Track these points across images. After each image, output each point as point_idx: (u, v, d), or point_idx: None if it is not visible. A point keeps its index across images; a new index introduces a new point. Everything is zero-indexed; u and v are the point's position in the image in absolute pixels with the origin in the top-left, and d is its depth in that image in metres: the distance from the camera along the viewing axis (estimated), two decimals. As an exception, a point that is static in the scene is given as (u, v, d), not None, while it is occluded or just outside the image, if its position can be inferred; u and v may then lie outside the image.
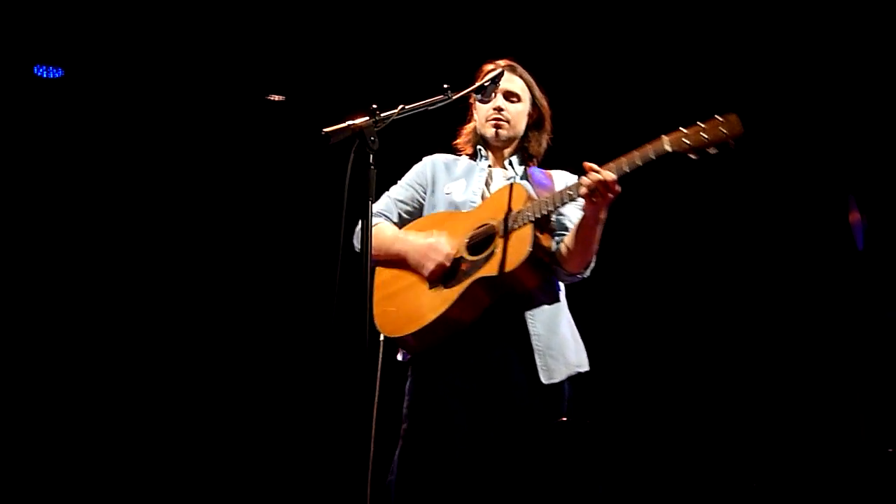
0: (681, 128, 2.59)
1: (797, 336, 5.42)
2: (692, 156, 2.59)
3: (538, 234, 2.80)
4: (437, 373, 2.91)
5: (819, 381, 5.33)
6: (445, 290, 2.87)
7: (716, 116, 2.57)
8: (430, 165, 3.22)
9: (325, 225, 3.18)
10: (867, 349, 5.16)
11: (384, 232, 3.05)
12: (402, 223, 3.14)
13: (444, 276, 2.90)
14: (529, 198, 2.85)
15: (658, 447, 5.46)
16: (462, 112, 3.25)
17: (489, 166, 3.16)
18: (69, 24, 5.33)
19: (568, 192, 2.74)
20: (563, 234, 2.93)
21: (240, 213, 5.93)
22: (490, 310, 2.85)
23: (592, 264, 2.90)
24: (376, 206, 3.10)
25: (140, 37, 5.45)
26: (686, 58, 5.41)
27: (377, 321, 2.96)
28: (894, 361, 5.05)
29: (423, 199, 3.17)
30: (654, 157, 2.61)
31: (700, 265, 5.69)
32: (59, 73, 5.58)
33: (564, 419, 2.91)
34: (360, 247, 3.08)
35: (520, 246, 2.76)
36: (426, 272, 2.91)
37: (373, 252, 2.95)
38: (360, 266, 2.50)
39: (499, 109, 3.08)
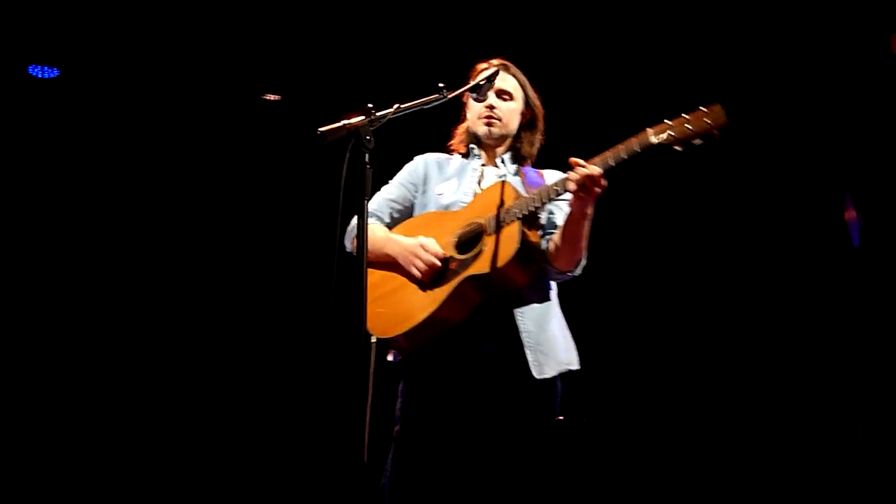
0: (665, 120, 2.59)
1: (792, 333, 5.43)
2: (677, 148, 2.59)
3: (526, 231, 2.80)
4: (429, 373, 2.91)
5: (815, 380, 5.34)
6: (435, 290, 2.87)
7: (700, 108, 2.57)
8: (423, 165, 3.22)
9: (321, 224, 3.18)
10: (863, 347, 5.17)
11: (375, 233, 3.05)
12: (393, 223, 3.14)
13: (433, 275, 2.90)
14: (517, 195, 2.85)
15: (653, 445, 5.47)
16: (457, 111, 3.25)
17: (481, 165, 3.15)
18: (64, 24, 5.32)
19: (554, 187, 2.74)
20: (552, 232, 2.93)
21: (235, 212, 5.92)
22: (480, 308, 2.85)
23: (583, 262, 2.89)
24: (369, 205, 3.10)
25: (136, 36, 5.44)
26: (682, 55, 5.42)
27: (368, 323, 2.95)
28: (891, 360, 5.06)
29: (415, 199, 3.16)
30: (639, 150, 2.61)
31: (695, 263, 5.69)
32: (54, 73, 5.57)
33: (561, 417, 2.92)
34: (349, 247, 3.10)
35: (508, 243, 2.76)
36: (416, 272, 2.91)
37: (358, 248, 2.97)
38: (352, 267, 2.53)
39: (491, 107, 3.09)
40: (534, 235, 2.87)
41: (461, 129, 3.24)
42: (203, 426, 5.62)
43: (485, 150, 3.17)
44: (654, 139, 2.59)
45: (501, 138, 3.14)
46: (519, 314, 2.88)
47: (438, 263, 2.89)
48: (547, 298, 2.96)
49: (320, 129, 2.41)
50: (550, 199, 2.77)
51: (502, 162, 3.14)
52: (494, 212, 2.84)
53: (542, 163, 3.18)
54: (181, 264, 5.83)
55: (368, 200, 2.37)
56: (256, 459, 5.60)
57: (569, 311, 3.07)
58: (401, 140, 3.21)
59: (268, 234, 5.91)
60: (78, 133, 5.71)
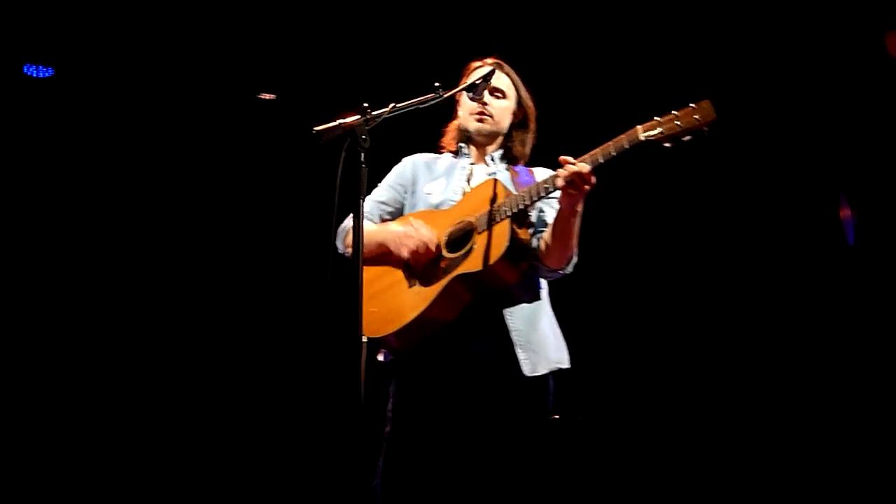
0: (655, 117, 2.60)
1: (787, 332, 5.44)
2: (667, 144, 2.59)
3: (516, 229, 2.79)
4: (420, 373, 2.90)
5: (810, 378, 5.34)
6: (425, 289, 2.86)
7: (689, 104, 2.57)
8: (411, 166, 3.21)
9: (316, 223, 3.18)
10: (858, 346, 5.18)
11: (365, 227, 3.03)
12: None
13: (423, 271, 2.90)
14: (508, 193, 2.84)
15: (646, 444, 5.47)
16: (450, 109, 3.24)
17: (471, 164, 3.15)
18: (59, 24, 5.31)
19: (544, 185, 2.72)
20: (543, 230, 2.92)
21: (230, 211, 5.91)
22: (470, 307, 2.84)
23: (574, 259, 2.88)
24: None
25: (130, 36, 5.44)
26: (675, 53, 5.43)
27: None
28: (886, 360, 5.07)
29: (405, 200, 3.15)
30: (628, 147, 2.60)
31: (687, 260, 5.70)
32: (49, 73, 5.57)
33: (556, 416, 2.92)
34: (342, 248, 3.10)
35: (498, 241, 2.76)
36: (406, 254, 2.90)
37: (354, 248, 2.97)
38: (345, 266, 2.51)
39: (483, 104, 3.08)
40: (524, 233, 2.86)
41: (452, 126, 3.23)
42: (196, 425, 5.61)
43: (475, 148, 3.16)
44: (643, 136, 2.59)
45: (492, 136, 3.13)
46: (508, 313, 2.87)
47: (432, 245, 2.88)
48: (537, 297, 2.95)
49: (316, 129, 2.42)
50: (540, 197, 2.75)
51: (492, 160, 3.13)
52: (484, 210, 2.83)
53: (534, 161, 3.17)
54: (176, 263, 5.83)
55: (363, 199, 2.36)
56: (250, 459, 5.60)
57: (559, 309, 3.06)
58: (396, 139, 3.21)
59: (263, 234, 5.90)
60: (73, 133, 5.70)
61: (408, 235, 2.90)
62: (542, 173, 3.05)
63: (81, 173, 5.71)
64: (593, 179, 2.64)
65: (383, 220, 3.14)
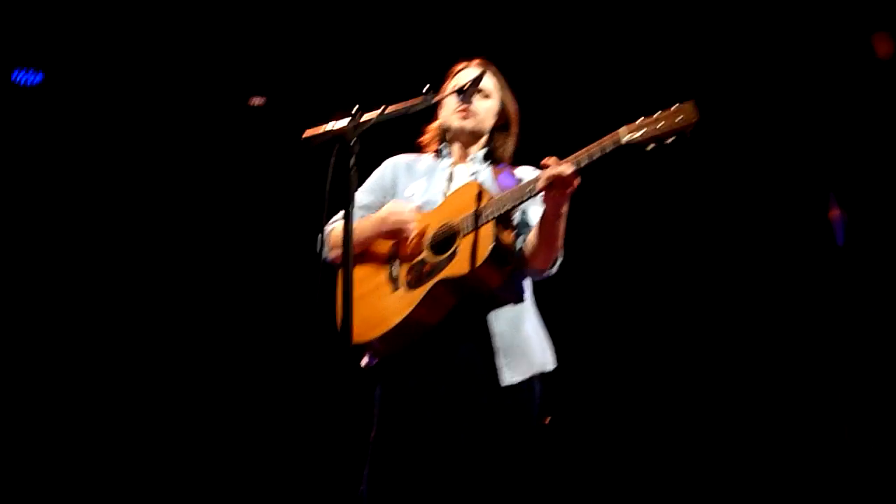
0: (639, 119, 2.60)
1: (775, 333, 5.45)
2: (650, 146, 2.60)
3: (500, 231, 2.79)
4: (405, 379, 2.89)
5: (800, 379, 5.36)
6: (409, 293, 2.85)
7: (672, 106, 2.58)
8: (391, 168, 3.20)
9: (307, 228, 3.17)
10: (849, 348, 5.19)
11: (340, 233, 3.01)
12: None
13: (407, 275, 2.89)
14: (490, 196, 2.84)
15: (633, 446, 5.48)
16: (430, 109, 3.24)
17: (451, 164, 3.14)
18: (49, 29, 5.30)
19: (527, 187, 2.72)
20: (527, 232, 2.92)
21: (220, 216, 5.91)
22: (454, 311, 2.83)
23: (559, 260, 2.88)
24: (340, 214, 3.07)
25: (121, 41, 5.43)
26: (662, 55, 5.44)
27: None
28: (880, 361, 5.09)
29: (386, 203, 3.12)
30: (611, 149, 2.61)
31: (675, 262, 5.71)
32: (39, 78, 5.56)
33: (547, 420, 2.91)
34: (325, 254, 3.09)
35: (482, 244, 2.75)
36: (385, 228, 2.94)
37: (335, 250, 2.97)
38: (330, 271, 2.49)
39: (468, 103, 3.08)
40: (508, 236, 2.85)
41: (433, 126, 3.22)
42: (182, 430, 5.61)
43: (458, 147, 3.15)
44: (626, 138, 2.60)
45: (475, 134, 3.12)
46: (492, 317, 2.86)
47: (413, 228, 2.91)
48: (521, 299, 2.95)
49: (306, 133, 2.41)
50: (524, 200, 2.75)
51: (474, 159, 3.12)
52: (466, 213, 2.82)
53: (518, 161, 3.17)
54: (165, 268, 5.82)
55: (354, 204, 2.36)
56: (236, 465, 5.58)
57: (545, 310, 3.07)
58: (387, 144, 3.21)
59: (253, 238, 5.90)
60: (63, 139, 5.69)
61: (387, 220, 2.93)
62: (525, 172, 3.05)
63: (72, 179, 5.70)
64: (577, 181, 2.64)
65: None
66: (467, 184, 2.94)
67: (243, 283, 5.87)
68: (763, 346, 5.44)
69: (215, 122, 5.88)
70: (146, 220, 5.81)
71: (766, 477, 5.22)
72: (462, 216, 2.84)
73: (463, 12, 5.26)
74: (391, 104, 2.57)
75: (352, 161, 2.36)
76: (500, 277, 2.83)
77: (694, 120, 2.54)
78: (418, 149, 3.26)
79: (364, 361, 3.00)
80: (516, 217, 2.94)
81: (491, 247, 2.73)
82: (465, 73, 3.13)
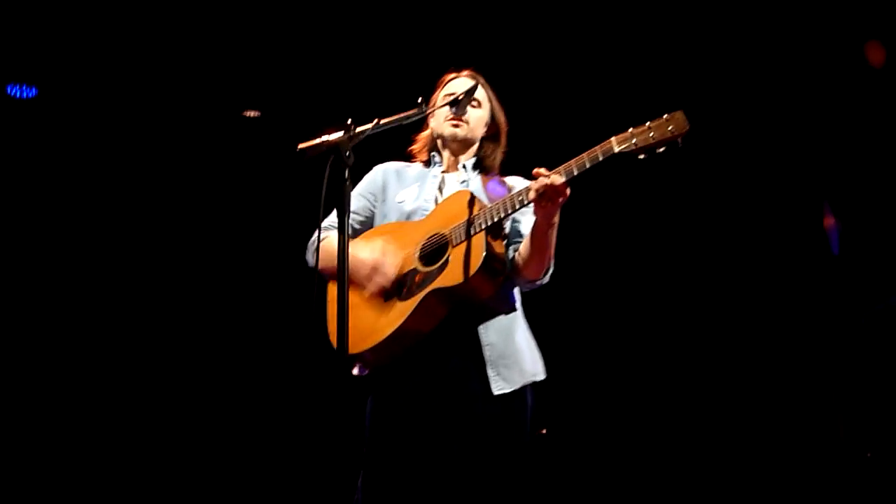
0: (630, 129, 2.61)
1: (773, 338, 5.45)
2: (641, 156, 2.60)
3: (491, 241, 2.78)
4: (397, 390, 2.88)
5: (796, 385, 5.36)
6: (400, 303, 2.84)
7: (663, 115, 2.58)
8: (381, 174, 3.19)
9: (301, 240, 3.17)
10: (844, 352, 5.20)
11: (334, 246, 3.01)
12: (354, 235, 3.10)
13: (397, 288, 2.88)
14: (481, 205, 2.83)
15: (625, 454, 5.47)
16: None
17: (442, 172, 3.14)
18: (43, 43, 5.31)
19: (518, 197, 2.72)
20: (518, 242, 2.91)
21: (215, 228, 5.91)
22: (446, 322, 2.82)
23: (551, 270, 2.88)
24: (328, 219, 3.06)
25: (115, 54, 5.44)
26: (655, 66, 5.46)
27: (332, 338, 2.93)
28: (873, 364, 5.09)
29: (375, 209, 3.14)
30: (602, 159, 2.61)
31: (666, 271, 5.73)
32: (33, 93, 5.56)
33: (544, 431, 2.91)
34: (312, 262, 3.09)
35: (473, 254, 2.74)
36: (368, 293, 2.88)
37: (324, 267, 2.91)
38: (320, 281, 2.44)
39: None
40: (499, 246, 2.85)
41: (423, 135, 3.23)
42: (173, 440, 5.61)
43: (449, 155, 3.15)
44: (617, 148, 2.60)
45: (466, 143, 3.12)
46: (482, 328, 2.86)
47: (391, 287, 2.87)
48: (512, 309, 2.94)
49: (300, 146, 2.41)
50: (515, 209, 2.74)
51: (465, 168, 3.12)
52: (457, 222, 2.82)
53: (509, 171, 3.18)
54: (159, 279, 5.82)
55: (348, 216, 2.36)
56: (229, 476, 5.58)
57: (533, 320, 3.07)
58: (371, 151, 3.22)
59: (248, 250, 5.89)
60: (58, 152, 5.69)
61: (370, 278, 2.87)
62: (514, 182, 3.06)
63: (68, 192, 5.70)
64: (567, 191, 2.64)
65: (354, 230, 3.11)
66: (458, 192, 2.93)
67: (238, 295, 5.87)
68: (754, 356, 5.45)
69: (209, 134, 5.89)
70: (141, 229, 5.81)
71: (758, 482, 5.22)
72: (453, 225, 2.83)
73: (453, 24, 5.28)
74: (382, 116, 2.57)
75: (346, 173, 2.36)
76: (492, 287, 2.83)
77: (685, 129, 2.55)
78: (408, 157, 3.26)
79: (355, 370, 2.98)
80: (507, 226, 2.94)
81: (482, 257, 2.72)
82: (456, 83, 3.14)
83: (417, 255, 2.89)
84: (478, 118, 3.12)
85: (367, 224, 3.14)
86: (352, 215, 3.11)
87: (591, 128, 2.85)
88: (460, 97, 2.94)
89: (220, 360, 5.77)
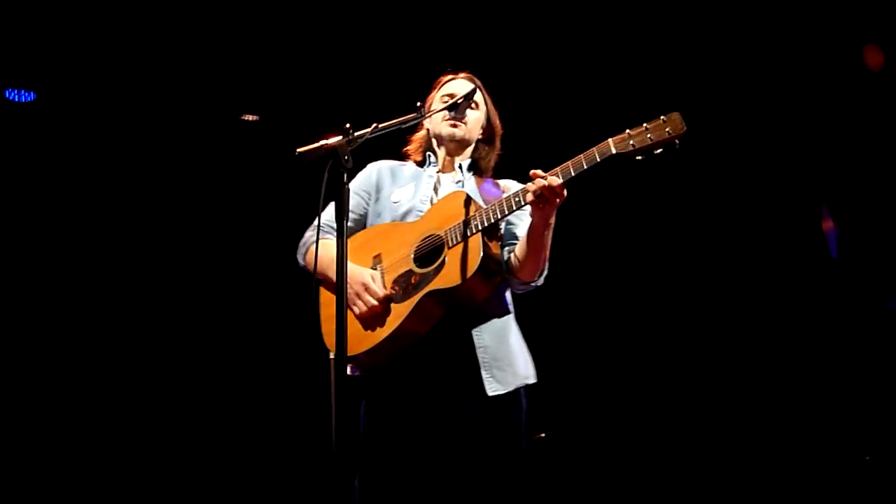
0: (627, 130, 2.61)
1: (770, 342, 5.45)
2: (639, 157, 2.60)
3: (487, 242, 2.78)
4: (391, 392, 2.88)
5: (793, 389, 5.36)
6: (396, 306, 2.83)
7: (660, 117, 2.58)
8: (375, 172, 3.19)
9: (297, 243, 3.17)
10: (842, 356, 5.20)
11: (329, 252, 2.98)
12: (349, 233, 3.10)
13: (392, 287, 2.87)
14: (477, 207, 2.83)
15: (626, 456, 5.47)
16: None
17: (437, 172, 3.14)
18: (41, 48, 5.31)
19: (515, 198, 2.71)
20: (513, 244, 2.92)
21: (214, 232, 5.90)
22: (440, 324, 2.82)
23: (545, 272, 2.88)
24: (323, 217, 3.06)
25: (113, 59, 5.44)
26: (653, 67, 5.47)
27: (327, 340, 2.93)
28: (869, 369, 5.09)
29: (368, 207, 3.13)
30: (599, 160, 2.61)
31: (670, 270, 5.72)
32: (30, 97, 5.56)
33: (542, 435, 2.91)
34: (302, 262, 3.08)
35: (471, 256, 2.74)
36: (356, 312, 2.88)
37: (318, 271, 2.93)
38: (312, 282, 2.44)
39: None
40: (495, 247, 2.85)
41: (418, 136, 3.23)
42: (169, 442, 5.59)
43: (445, 156, 3.15)
44: (614, 149, 2.60)
45: (463, 143, 3.12)
46: (476, 330, 2.86)
47: (381, 308, 2.85)
48: (506, 312, 2.95)
49: (299, 150, 2.41)
50: (511, 211, 2.74)
51: (460, 168, 3.12)
52: (453, 223, 2.81)
53: (505, 173, 3.18)
54: (158, 282, 5.81)
55: (346, 220, 2.36)
56: (225, 478, 5.57)
57: (530, 323, 3.06)
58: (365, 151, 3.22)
59: (246, 254, 5.89)
60: (56, 156, 5.68)
61: (360, 297, 2.87)
62: (508, 185, 3.06)
63: (66, 197, 5.70)
64: (565, 192, 2.64)
65: (348, 228, 3.10)
66: (454, 193, 2.93)
67: (236, 299, 5.86)
68: (752, 360, 5.45)
69: (207, 138, 5.88)
70: (140, 233, 5.80)
71: (756, 487, 5.21)
72: (448, 226, 2.83)
73: (451, 27, 5.28)
74: (381, 120, 2.57)
75: (345, 178, 2.36)
76: (488, 289, 2.83)
77: (682, 131, 2.55)
78: (401, 157, 3.26)
79: (347, 370, 2.98)
80: (501, 228, 2.94)
81: (480, 258, 2.72)
82: (453, 85, 3.15)
83: (412, 256, 2.89)
84: (475, 119, 3.12)
85: (361, 222, 3.13)
86: None
87: (588, 129, 2.86)
88: (459, 101, 2.95)
89: (220, 360, 5.76)
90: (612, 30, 5.36)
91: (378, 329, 2.84)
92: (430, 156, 3.18)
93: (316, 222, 3.06)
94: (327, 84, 5.64)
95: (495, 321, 2.90)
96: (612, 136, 2.62)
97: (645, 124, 2.59)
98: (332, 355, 2.90)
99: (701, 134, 2.65)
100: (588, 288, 5.73)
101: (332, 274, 2.76)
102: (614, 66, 5.49)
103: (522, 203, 2.70)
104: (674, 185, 5.58)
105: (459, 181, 3.08)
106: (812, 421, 5.23)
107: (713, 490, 5.25)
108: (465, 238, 2.77)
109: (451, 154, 3.15)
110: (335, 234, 2.99)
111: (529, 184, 2.66)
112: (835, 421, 5.12)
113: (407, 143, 3.26)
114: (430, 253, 2.86)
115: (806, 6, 5.11)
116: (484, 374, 2.83)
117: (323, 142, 2.40)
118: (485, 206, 2.80)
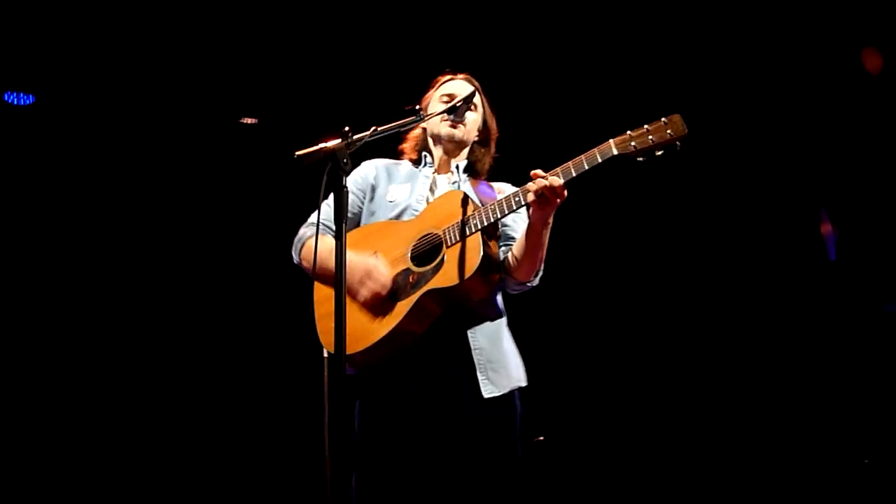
0: (628, 131, 2.61)
1: (768, 345, 5.45)
2: (640, 158, 2.60)
3: (487, 241, 2.77)
4: (386, 393, 2.88)
5: (792, 392, 5.36)
6: (394, 304, 2.82)
7: (661, 119, 2.59)
8: (372, 170, 3.18)
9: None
10: (839, 360, 5.20)
11: (327, 248, 2.97)
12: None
13: (390, 286, 2.86)
14: (475, 206, 2.82)
15: (625, 458, 5.47)
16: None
17: (433, 172, 3.14)
18: (40, 51, 5.31)
19: (515, 198, 2.71)
20: (509, 244, 2.91)
21: (212, 235, 5.91)
22: (435, 325, 2.81)
23: (541, 272, 2.88)
24: (316, 216, 3.04)
25: (112, 62, 5.44)
26: (653, 69, 5.47)
27: (322, 338, 2.92)
28: (867, 371, 5.09)
29: (363, 205, 3.12)
30: (600, 161, 2.61)
31: (668, 273, 5.73)
32: (30, 100, 5.56)
33: (541, 438, 2.91)
34: (297, 259, 3.07)
35: (470, 255, 2.73)
36: (360, 299, 2.86)
37: (316, 268, 2.91)
38: (308, 281, 2.43)
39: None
40: (494, 246, 2.85)
41: (414, 134, 3.22)
42: (166, 441, 5.60)
43: (442, 156, 3.15)
44: (615, 150, 2.60)
45: (460, 144, 3.12)
46: (471, 332, 2.86)
47: (385, 293, 2.84)
48: (500, 315, 2.95)
49: (298, 153, 2.41)
50: (511, 210, 2.74)
51: (457, 169, 3.12)
52: (451, 222, 2.81)
53: (504, 175, 3.18)
54: (157, 284, 5.82)
55: (345, 222, 2.36)
56: (221, 478, 5.57)
57: (526, 324, 3.07)
58: (371, 156, 3.22)
59: (245, 257, 5.89)
60: (55, 160, 5.69)
61: (363, 283, 2.85)
62: (503, 188, 3.06)
63: (65, 200, 5.70)
64: (565, 193, 2.64)
65: None
66: (451, 192, 2.93)
67: (235, 300, 5.87)
68: (750, 363, 5.45)
69: (206, 142, 5.89)
70: (138, 235, 5.81)
71: (754, 489, 5.21)
72: (446, 225, 2.82)
73: (450, 30, 5.29)
74: (379, 123, 2.57)
75: (344, 181, 2.36)
76: (486, 289, 2.83)
77: (683, 133, 2.56)
78: (397, 155, 3.26)
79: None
80: (498, 229, 2.94)
81: (480, 257, 2.71)
82: (452, 85, 3.15)
83: (409, 255, 2.88)
84: (473, 121, 3.13)
85: (355, 220, 3.12)
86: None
87: (589, 130, 2.86)
88: (458, 104, 2.95)
89: (219, 360, 5.77)
90: (613, 31, 5.36)
91: (375, 328, 2.82)
92: (426, 155, 3.17)
93: (311, 219, 3.08)
94: (326, 87, 5.64)
95: (489, 324, 2.90)
96: (613, 137, 2.62)
97: (646, 126, 2.59)
98: (325, 354, 2.90)
99: (702, 136, 2.65)
100: (586, 290, 5.73)
101: (331, 266, 2.74)
102: (615, 68, 5.49)
103: (523, 203, 2.70)
104: (673, 186, 5.58)
105: (455, 182, 3.08)
106: (811, 424, 5.23)
107: (712, 492, 5.25)
108: (463, 237, 2.76)
109: (448, 154, 3.14)
110: (331, 233, 3.02)
111: (530, 183, 2.66)
112: (833, 424, 5.12)
113: (402, 141, 3.25)
114: (427, 252, 2.85)
115: (805, 9, 5.12)
116: (479, 377, 2.83)
117: (322, 145, 2.39)
118: (483, 206, 2.80)
